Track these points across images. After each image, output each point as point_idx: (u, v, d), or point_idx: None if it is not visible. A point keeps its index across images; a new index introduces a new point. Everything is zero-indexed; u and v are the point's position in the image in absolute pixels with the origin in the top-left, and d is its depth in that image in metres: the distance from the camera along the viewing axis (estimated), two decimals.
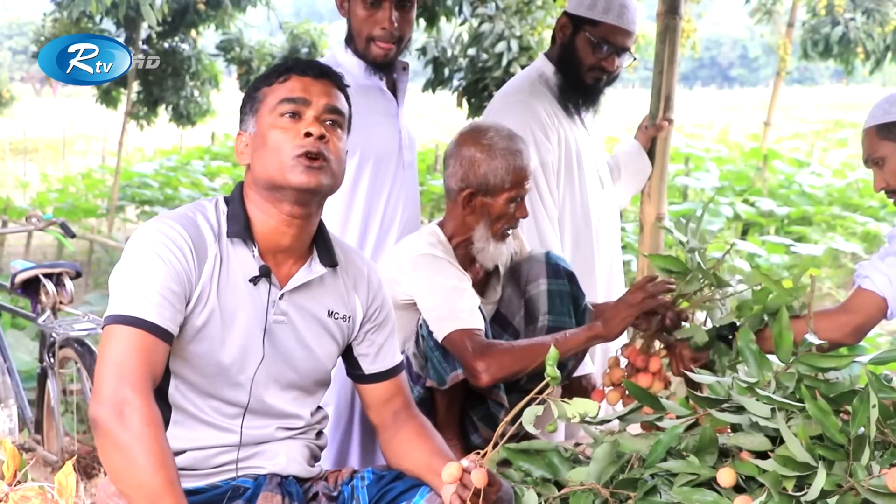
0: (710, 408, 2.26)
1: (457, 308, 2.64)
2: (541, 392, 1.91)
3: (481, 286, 2.88)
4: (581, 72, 3.27)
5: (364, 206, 3.00)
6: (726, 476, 2.07)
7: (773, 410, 2.16)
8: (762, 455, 2.15)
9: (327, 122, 2.03)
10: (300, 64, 2.08)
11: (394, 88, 3.09)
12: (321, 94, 2.03)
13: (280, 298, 2.06)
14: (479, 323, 2.66)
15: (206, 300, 1.98)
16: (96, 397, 1.82)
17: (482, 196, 2.73)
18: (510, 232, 2.80)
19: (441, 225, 2.84)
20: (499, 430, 1.95)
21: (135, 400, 1.79)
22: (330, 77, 2.08)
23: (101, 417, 1.79)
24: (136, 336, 1.87)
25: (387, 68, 3.04)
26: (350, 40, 3.03)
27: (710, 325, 3.05)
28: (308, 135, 1.99)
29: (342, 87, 2.10)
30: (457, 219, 2.79)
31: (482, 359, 2.59)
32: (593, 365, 3.17)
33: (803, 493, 2.00)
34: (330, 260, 2.12)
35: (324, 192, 2.03)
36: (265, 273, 2.03)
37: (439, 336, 2.65)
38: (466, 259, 2.81)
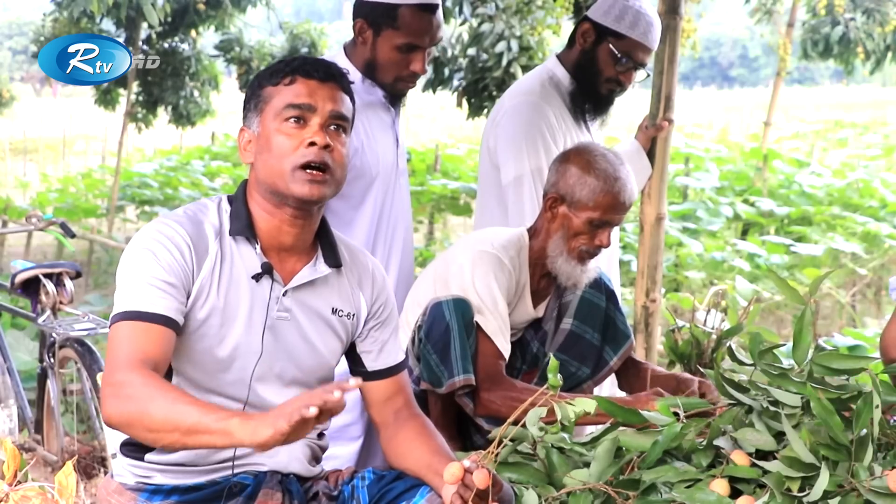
0: (733, 394, 2.24)
1: (488, 311, 2.63)
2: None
3: (542, 295, 2.86)
4: (598, 81, 3.27)
5: (368, 227, 2.95)
6: (719, 488, 2.07)
7: (779, 406, 2.15)
8: (761, 453, 2.15)
9: (332, 128, 2.02)
10: (306, 65, 2.04)
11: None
12: (327, 100, 2.02)
13: (283, 295, 2.06)
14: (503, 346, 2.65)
15: (206, 296, 2.00)
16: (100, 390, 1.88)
17: (566, 207, 2.70)
18: (590, 257, 2.74)
19: (530, 230, 2.82)
20: (501, 430, 1.94)
21: (128, 376, 1.82)
22: (336, 79, 2.06)
23: (103, 408, 1.84)
24: (130, 327, 1.90)
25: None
26: (368, 69, 2.90)
27: (710, 325, 3.05)
28: (312, 143, 1.98)
29: (347, 88, 2.08)
30: (541, 223, 2.78)
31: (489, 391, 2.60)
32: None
33: (805, 493, 2.00)
34: (334, 260, 2.13)
35: (325, 200, 2.05)
36: (267, 270, 2.04)
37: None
38: (540, 269, 2.79)
